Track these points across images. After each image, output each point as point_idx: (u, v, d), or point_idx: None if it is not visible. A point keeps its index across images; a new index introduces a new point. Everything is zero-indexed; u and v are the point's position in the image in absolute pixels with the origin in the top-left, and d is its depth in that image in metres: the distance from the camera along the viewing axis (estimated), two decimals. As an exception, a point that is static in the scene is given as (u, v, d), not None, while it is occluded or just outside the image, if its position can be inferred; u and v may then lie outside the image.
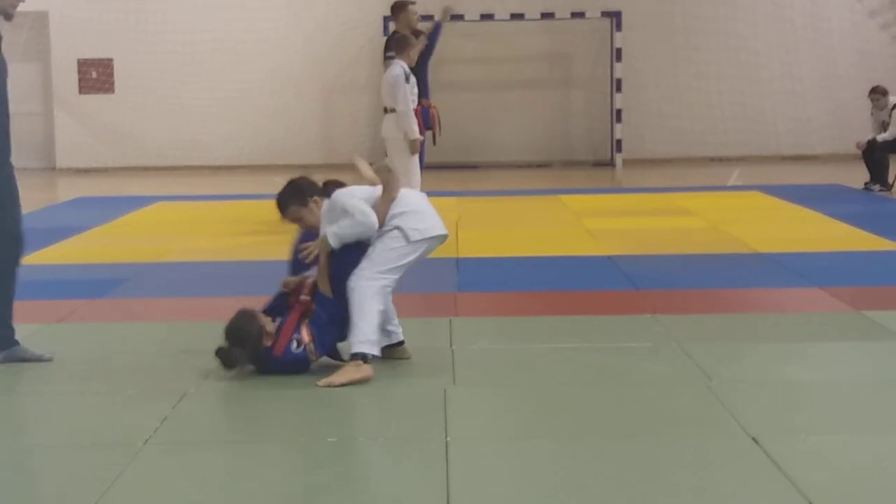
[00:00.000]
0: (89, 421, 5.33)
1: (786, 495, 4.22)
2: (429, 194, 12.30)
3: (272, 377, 5.83)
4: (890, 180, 14.88)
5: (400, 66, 10.74)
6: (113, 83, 20.45)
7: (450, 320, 7.26)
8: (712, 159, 19.98)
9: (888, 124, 14.84)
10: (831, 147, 20.02)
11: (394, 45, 10.99)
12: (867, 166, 15.03)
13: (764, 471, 4.48)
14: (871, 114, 15.30)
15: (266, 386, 5.75)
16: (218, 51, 19.72)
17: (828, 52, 20.17)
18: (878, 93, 15.10)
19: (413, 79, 10.86)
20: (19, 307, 7.95)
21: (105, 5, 20.03)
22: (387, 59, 11.24)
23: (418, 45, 11.27)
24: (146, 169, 20.07)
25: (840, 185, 15.63)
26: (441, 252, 10.08)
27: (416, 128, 10.77)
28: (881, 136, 14.86)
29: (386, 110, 10.97)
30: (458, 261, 9.78)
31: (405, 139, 10.76)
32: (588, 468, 4.59)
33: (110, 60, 20.40)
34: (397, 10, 11.90)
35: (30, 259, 10.12)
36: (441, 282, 8.69)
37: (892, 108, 14.86)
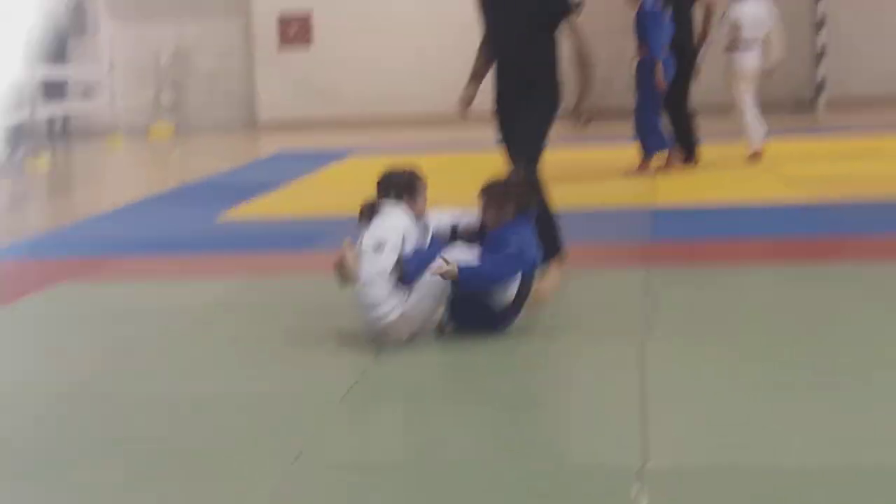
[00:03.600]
0: (290, 372, 5.45)
1: None
2: (623, 141, 12.09)
3: (463, 332, 5.86)
4: None
5: None
6: (311, 37, 20.79)
7: (646, 270, 7.20)
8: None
9: None
10: None
11: None
12: None
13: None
14: None
15: (456, 341, 5.78)
16: (414, 3, 19.85)
17: None
18: None
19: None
20: (224, 261, 8.23)
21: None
22: None
23: None
24: (343, 123, 20.38)
25: None
26: (635, 199, 10.05)
27: None
28: None
29: None
30: (653, 209, 9.68)
31: None
32: (790, 421, 4.47)
33: (309, 14, 20.74)
34: None
35: (235, 214, 10.45)
36: (635, 230, 8.62)
37: None
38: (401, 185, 6.00)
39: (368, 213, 5.95)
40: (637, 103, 12.03)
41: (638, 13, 11.82)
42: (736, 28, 12.45)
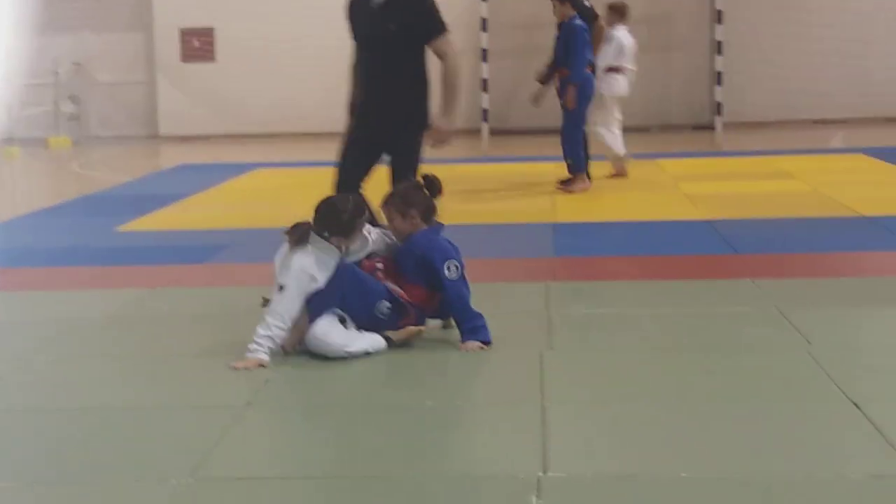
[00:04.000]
0: (192, 384, 5.42)
1: (888, 459, 4.17)
2: (528, 159, 12.28)
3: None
4: None
5: None
6: (214, 52, 20.68)
7: (546, 285, 7.26)
8: (815, 122, 19.66)
9: None
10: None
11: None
12: None
13: (866, 435, 4.43)
14: None
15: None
16: (316, 17, 19.80)
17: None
18: None
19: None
20: (123, 272, 8.14)
21: (206, -27, 20.27)
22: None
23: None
24: (246, 136, 20.29)
25: (947, 147, 15.31)
26: (538, 217, 10.14)
27: None
28: None
29: None
30: (554, 226, 9.77)
31: None
32: (685, 431, 4.57)
33: (212, 29, 20.63)
34: None
35: (135, 225, 10.34)
36: (537, 246, 8.69)
37: None
38: (337, 226, 5.84)
39: (296, 237, 5.86)
40: (564, 122, 11.93)
41: (566, 29, 11.64)
42: (619, 51, 12.60)
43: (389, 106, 6.98)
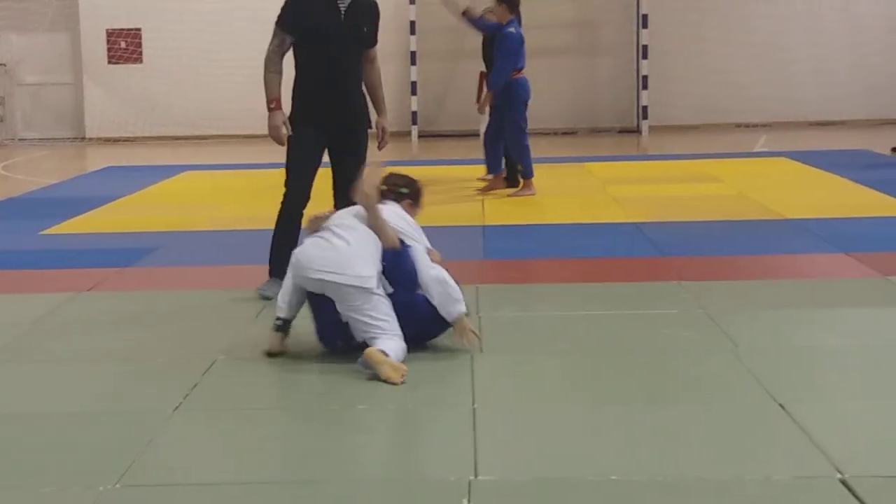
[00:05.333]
0: (119, 388, 5.38)
1: (813, 461, 4.23)
2: (457, 162, 12.27)
3: (302, 346, 5.86)
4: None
5: None
6: (141, 53, 20.51)
7: (476, 287, 7.29)
8: (738, 125, 19.91)
9: None
10: (858, 113, 19.92)
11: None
12: None
13: (790, 436, 4.50)
14: None
15: (295, 354, 5.78)
16: (246, 19, 19.70)
17: (856, 18, 20.02)
18: None
19: None
20: (48, 276, 8.06)
21: (133, -26, 20.09)
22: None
23: None
24: (174, 138, 20.15)
25: (867, 151, 15.56)
26: (467, 220, 10.17)
27: None
28: None
29: None
30: (483, 228, 9.82)
31: None
32: (614, 434, 4.62)
33: (139, 30, 20.45)
34: None
35: (60, 228, 10.24)
36: (467, 249, 8.72)
37: None
38: (414, 189, 6.11)
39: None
40: (491, 123, 11.99)
41: (505, 35, 11.63)
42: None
43: (349, 105, 7.13)
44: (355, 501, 4.01)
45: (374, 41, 7.23)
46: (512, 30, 11.60)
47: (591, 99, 20.30)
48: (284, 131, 7.07)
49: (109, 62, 20.53)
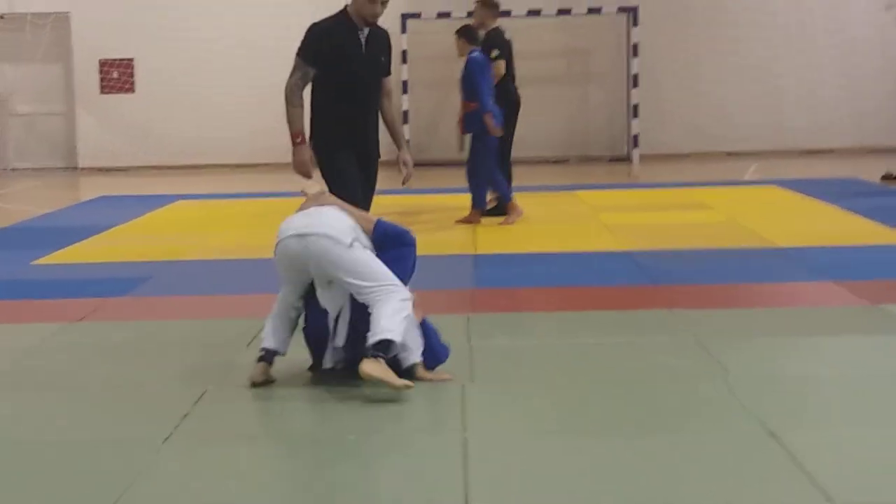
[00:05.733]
0: (110, 418, 5.38)
1: (803, 489, 4.24)
2: (449, 191, 12.29)
3: (292, 374, 5.86)
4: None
5: None
6: (133, 83, 20.55)
7: (467, 317, 7.30)
8: (729, 154, 19.96)
9: None
10: (848, 141, 19.99)
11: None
12: None
13: (781, 465, 4.50)
14: None
15: (285, 384, 5.79)
16: (238, 48, 19.77)
17: (846, 45, 20.09)
18: None
19: None
20: (41, 306, 8.06)
21: (126, 5, 20.12)
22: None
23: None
24: (167, 168, 20.16)
25: (857, 179, 15.61)
26: (458, 248, 10.18)
27: None
28: None
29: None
30: (475, 257, 9.83)
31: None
32: (606, 464, 4.62)
33: (131, 60, 20.50)
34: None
35: (53, 258, 10.24)
36: (458, 278, 8.73)
37: None
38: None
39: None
40: (469, 155, 11.98)
41: (467, 63, 11.76)
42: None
43: (370, 134, 7.27)
44: (346, 531, 4.01)
45: (390, 71, 7.33)
46: (476, 55, 11.69)
47: (583, 127, 20.36)
48: (311, 166, 7.12)
49: (102, 92, 20.56)
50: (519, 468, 4.61)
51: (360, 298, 5.59)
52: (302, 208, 5.91)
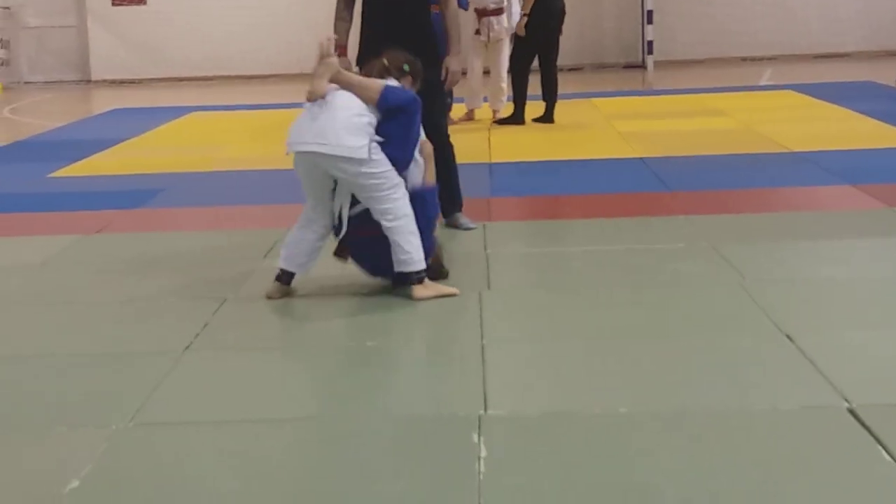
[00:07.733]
0: (129, 329, 5.41)
1: (820, 390, 4.26)
2: (459, 101, 12.15)
3: (311, 284, 5.89)
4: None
5: None
6: (145, -6, 20.43)
7: (483, 225, 7.30)
8: (744, 59, 19.80)
9: None
10: (863, 44, 19.79)
11: None
12: None
13: (798, 367, 4.52)
14: None
15: (304, 292, 5.81)
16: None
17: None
18: None
19: None
20: (57, 218, 8.08)
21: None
22: None
23: None
24: (180, 80, 20.09)
25: (872, 83, 15.48)
26: (474, 157, 10.16)
27: None
28: None
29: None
30: (490, 166, 9.81)
31: None
32: (623, 367, 4.64)
33: (142, -29, 20.36)
34: None
35: (68, 170, 10.25)
36: (474, 186, 8.73)
37: None
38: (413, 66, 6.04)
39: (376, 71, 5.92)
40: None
41: None
42: None
43: (426, 44, 7.04)
44: (365, 437, 4.05)
45: None
46: None
47: (597, 34, 20.18)
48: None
49: (113, 4, 20.43)
50: (536, 374, 4.65)
51: (375, 209, 5.60)
52: (315, 77, 5.74)
